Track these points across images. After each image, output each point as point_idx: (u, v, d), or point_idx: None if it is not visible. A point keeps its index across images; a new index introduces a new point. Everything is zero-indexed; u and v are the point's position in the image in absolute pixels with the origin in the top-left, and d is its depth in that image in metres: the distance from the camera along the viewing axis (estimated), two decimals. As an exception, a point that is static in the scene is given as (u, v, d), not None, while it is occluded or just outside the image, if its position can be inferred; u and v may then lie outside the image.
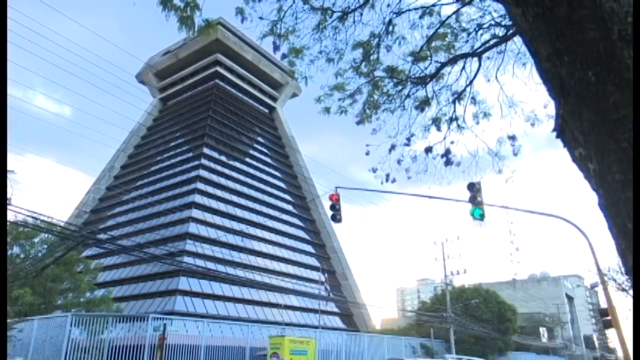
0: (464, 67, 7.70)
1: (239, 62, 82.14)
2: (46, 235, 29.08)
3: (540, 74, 2.11)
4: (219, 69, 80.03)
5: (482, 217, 13.24)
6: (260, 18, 6.67)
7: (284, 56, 7.31)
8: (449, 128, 8.28)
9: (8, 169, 22.44)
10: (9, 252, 31.25)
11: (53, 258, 26.56)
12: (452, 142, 8.40)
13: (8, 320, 18.64)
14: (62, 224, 23.70)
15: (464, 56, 7.53)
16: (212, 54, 79.11)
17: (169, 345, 18.54)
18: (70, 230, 27.62)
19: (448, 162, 8.52)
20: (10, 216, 33.18)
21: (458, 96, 8.09)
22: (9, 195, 24.79)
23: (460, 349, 38.44)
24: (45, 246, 31.66)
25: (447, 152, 8.44)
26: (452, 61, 7.64)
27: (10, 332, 17.86)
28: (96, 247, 45.92)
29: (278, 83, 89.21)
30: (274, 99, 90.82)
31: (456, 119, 8.20)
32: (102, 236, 46.53)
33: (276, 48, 7.14)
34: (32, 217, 19.84)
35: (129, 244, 42.35)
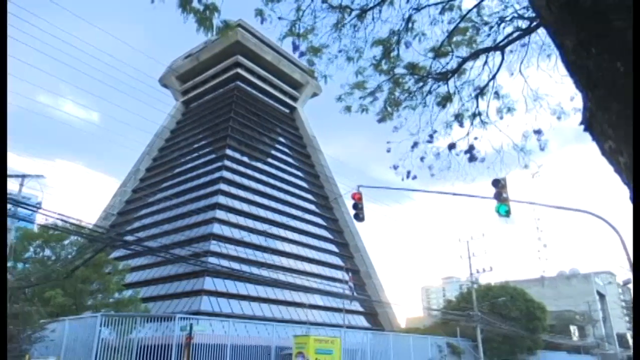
0: (486, 62, 7.57)
1: (259, 63, 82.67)
2: (75, 237, 29.81)
3: (566, 66, 2.06)
4: (239, 70, 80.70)
5: (507, 213, 12.99)
6: (280, 18, 6.68)
7: (302, 55, 7.30)
8: (472, 124, 8.15)
9: (37, 174, 23.05)
10: (40, 255, 32.19)
11: (82, 260, 27.19)
12: (475, 138, 8.27)
13: (41, 321, 19.20)
14: (90, 227, 24.25)
15: (486, 50, 7.39)
16: (232, 56, 79.83)
17: (195, 344, 18.79)
18: (99, 232, 28.29)
19: (472, 159, 8.39)
20: (41, 219, 34.20)
21: (481, 91, 7.95)
22: (39, 199, 25.52)
23: (488, 348, 37.88)
24: (75, 248, 32.47)
25: (471, 148, 8.32)
26: (474, 56, 7.52)
27: (43, 332, 18.38)
28: (123, 248, 46.87)
29: (298, 83, 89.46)
30: (295, 99, 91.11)
31: (479, 114, 8.07)
32: (129, 238, 47.48)
33: (295, 48, 7.15)
34: (62, 220, 20.33)
35: (155, 245, 43.12)
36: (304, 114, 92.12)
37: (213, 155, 70.99)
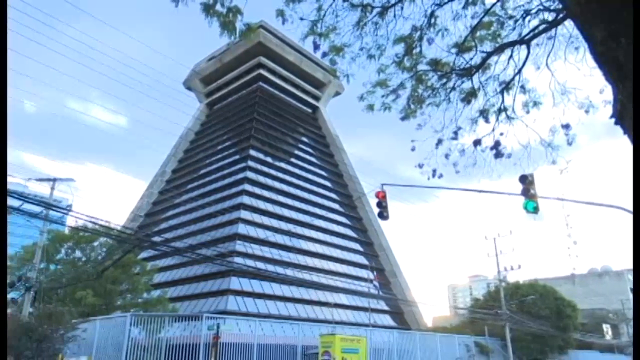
0: (511, 56, 7.43)
1: (282, 64, 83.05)
2: (105, 239, 30.51)
3: (594, 58, 2.00)
4: (262, 71, 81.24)
5: (535, 210, 12.73)
6: (301, 19, 6.70)
7: (324, 54, 7.30)
8: (497, 119, 8.02)
9: (68, 177, 23.66)
10: (71, 256, 33.06)
11: (112, 261, 27.79)
12: (501, 134, 8.14)
13: (73, 321, 19.71)
14: (119, 228, 24.76)
15: (511, 44, 7.26)
16: (255, 57, 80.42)
17: (222, 343, 19.01)
18: (127, 233, 28.88)
19: (498, 155, 8.25)
20: (71, 222, 35.11)
21: (506, 86, 7.81)
22: (69, 202, 26.18)
23: (517, 347, 37.21)
24: (105, 249, 33.23)
25: (497, 144, 8.18)
26: (499, 50, 7.39)
27: (75, 332, 18.86)
28: (151, 249, 47.76)
29: (320, 82, 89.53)
30: (317, 99, 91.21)
31: (505, 109, 7.93)
32: (156, 239, 48.34)
33: (317, 47, 7.15)
34: (92, 222, 20.83)
35: (182, 245, 43.76)
36: (326, 113, 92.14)
37: (237, 156, 71.66)
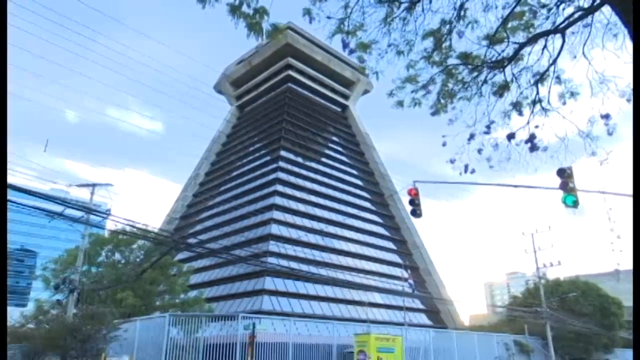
0: (545, 46, 7.20)
1: (310, 64, 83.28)
2: (143, 241, 31.30)
3: (635, 44, 1.90)
4: (290, 72, 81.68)
5: (575, 204, 12.29)
6: (328, 17, 6.69)
7: (352, 52, 7.27)
8: (532, 112, 7.80)
9: (106, 182, 24.39)
10: (111, 259, 34.08)
11: (150, 262, 28.48)
12: (536, 127, 7.91)
13: (115, 321, 20.31)
14: (156, 231, 25.34)
15: (545, 34, 7.03)
16: (283, 58, 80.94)
17: (258, 343, 19.19)
18: (163, 236, 29.56)
19: (533, 148, 8.02)
20: (111, 225, 36.19)
21: (540, 77, 7.59)
22: (108, 206, 26.99)
23: (559, 346, 36.11)
24: (143, 252, 34.09)
25: (532, 137, 7.96)
26: (532, 40, 7.18)
27: (117, 332, 19.43)
28: (187, 250, 48.72)
29: (349, 81, 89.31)
30: (346, 97, 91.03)
31: (540, 101, 7.70)
32: (191, 240, 49.27)
33: (345, 46, 7.13)
34: (130, 226, 21.40)
35: (216, 246, 44.44)
36: (356, 111, 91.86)
37: (268, 157, 72.30)
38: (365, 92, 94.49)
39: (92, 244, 31.65)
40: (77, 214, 20.64)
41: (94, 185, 24.22)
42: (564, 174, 11.93)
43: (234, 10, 4.84)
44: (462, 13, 6.93)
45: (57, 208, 17.55)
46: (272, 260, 49.80)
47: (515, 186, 14.54)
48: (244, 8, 4.87)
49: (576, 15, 6.75)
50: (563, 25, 6.84)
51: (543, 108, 7.74)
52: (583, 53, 7.17)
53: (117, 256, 34.24)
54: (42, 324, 24.45)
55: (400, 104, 8.21)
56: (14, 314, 35.05)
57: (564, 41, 6.97)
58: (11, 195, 14.01)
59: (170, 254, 32.26)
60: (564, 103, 7.75)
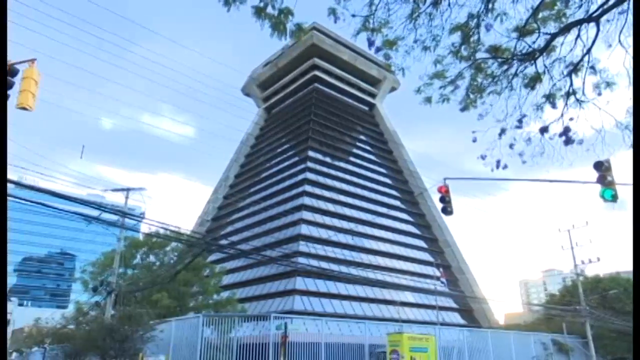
0: (578, 35, 6.97)
1: (336, 64, 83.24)
2: (176, 243, 31.91)
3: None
4: (317, 72, 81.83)
5: (614, 198, 11.85)
6: (353, 15, 6.65)
7: (378, 50, 7.20)
8: (566, 104, 7.57)
9: (140, 187, 24.98)
10: (146, 261, 34.89)
11: (183, 264, 28.99)
12: (570, 119, 7.67)
13: (151, 322, 20.77)
14: (188, 233, 25.80)
15: (579, 23, 6.80)
16: (309, 59, 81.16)
17: (291, 343, 19.28)
18: (195, 238, 30.04)
19: (568, 141, 7.78)
20: (145, 228, 37.03)
21: (574, 68, 7.35)
22: (142, 210, 27.60)
23: (600, 345, 34.92)
24: (176, 254, 34.76)
25: (566, 130, 7.72)
26: (565, 30, 6.96)
27: (153, 332, 19.87)
28: (219, 252, 49.45)
29: (376, 79, 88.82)
30: (373, 96, 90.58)
31: (574, 92, 7.46)
32: (223, 242, 49.92)
33: (371, 44, 7.08)
34: (163, 228, 21.84)
35: (247, 247, 44.91)
36: (383, 109, 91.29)
37: (296, 158, 72.61)
38: (392, 89, 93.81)
39: (128, 247, 32.46)
40: (113, 217, 21.23)
41: (128, 189, 24.85)
42: (602, 167, 11.53)
43: (259, 11, 4.88)
44: (490, 6, 6.79)
45: (94, 212, 18.09)
46: (302, 260, 49.99)
47: (550, 181, 14.15)
48: (269, 9, 4.91)
49: (611, 3, 6.51)
50: (597, 13, 6.60)
51: (577, 100, 7.50)
52: (619, 41, 6.90)
53: (152, 258, 35.02)
54: (82, 325, 25.25)
55: (428, 100, 8.10)
56: (56, 316, 36.36)
57: (598, 30, 6.73)
58: (52, 201, 14.55)
59: (202, 256, 32.74)
60: (600, 94, 7.49)
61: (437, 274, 52.06)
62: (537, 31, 7.12)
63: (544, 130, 7.88)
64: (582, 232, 62.94)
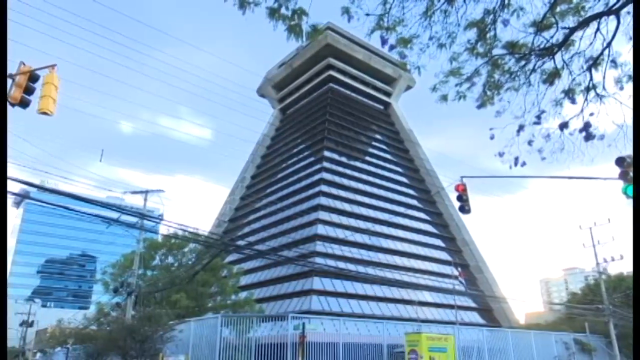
0: (598, 29, 6.83)
1: (351, 63, 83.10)
2: (194, 245, 32.22)
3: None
4: (332, 72, 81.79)
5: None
6: (367, 14, 6.62)
7: (392, 48, 7.16)
8: (586, 99, 7.43)
9: (158, 189, 25.28)
10: (165, 262, 35.29)
11: (201, 265, 29.26)
12: (591, 114, 7.53)
13: (170, 322, 21.01)
14: (206, 234, 26.03)
15: (598, 16, 6.67)
16: (324, 59, 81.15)
17: (308, 342, 19.29)
18: (213, 239, 30.29)
19: (588, 137, 7.64)
20: (163, 230, 37.47)
21: (594, 62, 7.20)
22: (160, 212, 27.95)
23: (624, 344, 34.20)
24: (194, 255, 35.09)
25: (587, 126, 7.58)
26: (584, 24, 6.82)
27: (173, 332, 20.10)
28: (236, 253, 49.74)
29: (391, 78, 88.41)
30: (388, 95, 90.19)
31: (594, 87, 7.32)
32: (240, 243, 50.24)
33: (384, 42, 7.04)
34: (182, 230, 22.06)
35: (264, 248, 45.09)
36: (399, 108, 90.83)
37: (312, 158, 72.66)
38: (408, 88, 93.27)
39: (147, 248, 32.87)
40: (132, 219, 21.52)
41: (146, 192, 25.17)
42: (624, 163, 11.29)
43: (273, 13, 4.89)
44: (506, 1, 6.70)
45: (114, 215, 18.37)
46: (319, 260, 50.01)
47: (570, 177, 13.91)
48: (283, 10, 4.91)
49: (631, -6, 6.36)
50: (617, 5, 6.47)
51: (598, 94, 7.35)
52: (641, 34, 6.75)
53: (170, 259, 35.41)
54: (103, 325, 25.66)
55: (444, 98, 8.02)
56: (78, 317, 37.02)
57: (618, 22, 6.59)
58: (73, 204, 14.80)
59: (220, 257, 32.98)
60: (621, 88, 7.33)
61: (456, 273, 51.57)
62: (555, 25, 7.00)
63: (563, 126, 7.75)
64: (605, 229, 61.81)
